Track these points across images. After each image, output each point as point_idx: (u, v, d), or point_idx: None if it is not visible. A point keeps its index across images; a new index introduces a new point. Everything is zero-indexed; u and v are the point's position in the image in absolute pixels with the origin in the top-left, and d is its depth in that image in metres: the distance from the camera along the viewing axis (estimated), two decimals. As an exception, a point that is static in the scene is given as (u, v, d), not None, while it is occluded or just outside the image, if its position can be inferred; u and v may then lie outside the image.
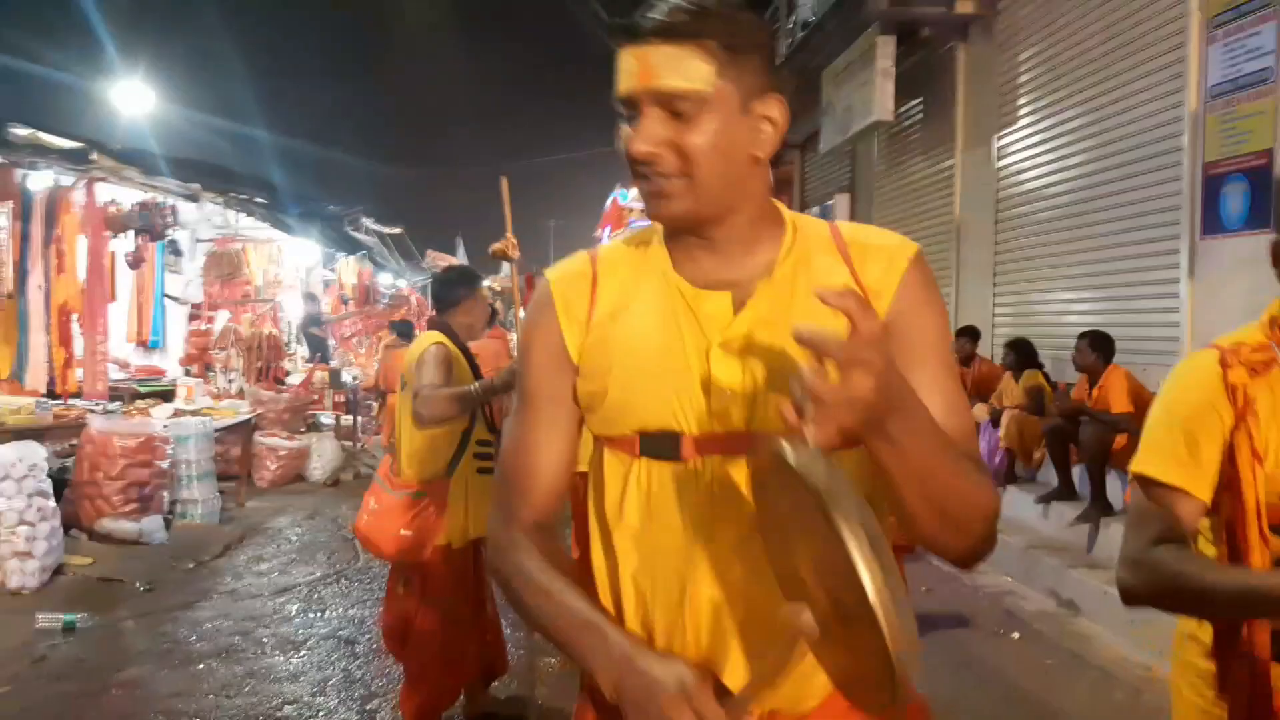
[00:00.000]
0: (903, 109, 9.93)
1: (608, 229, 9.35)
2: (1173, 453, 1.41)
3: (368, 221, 19.17)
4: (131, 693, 4.12)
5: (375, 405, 11.71)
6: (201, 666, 4.41)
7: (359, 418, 11.85)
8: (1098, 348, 5.97)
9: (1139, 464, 1.45)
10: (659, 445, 1.11)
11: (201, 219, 9.70)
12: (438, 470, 3.47)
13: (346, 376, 11.99)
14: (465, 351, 3.64)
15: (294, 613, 5.27)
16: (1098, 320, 6.69)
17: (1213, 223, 5.70)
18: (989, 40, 8.64)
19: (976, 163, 8.87)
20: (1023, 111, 8.09)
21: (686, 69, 1.03)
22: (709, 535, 1.09)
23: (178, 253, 9.59)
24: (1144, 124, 6.40)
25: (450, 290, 3.74)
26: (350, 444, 10.84)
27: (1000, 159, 8.46)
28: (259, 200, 10.50)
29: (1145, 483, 1.43)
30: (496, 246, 3.87)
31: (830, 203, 12.54)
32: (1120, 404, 5.66)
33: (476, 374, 3.61)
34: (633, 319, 1.15)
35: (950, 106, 9.31)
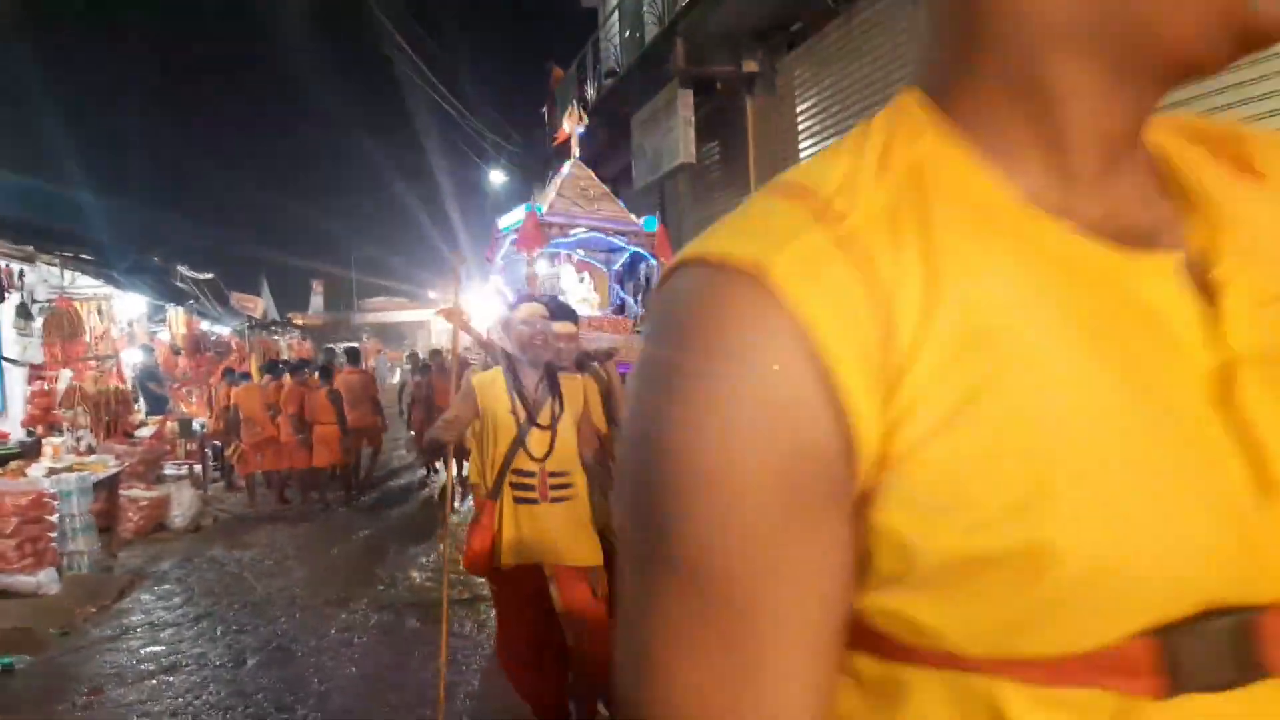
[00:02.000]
0: (703, 150, 11.33)
1: (498, 257, 7.64)
2: None
3: (183, 269, 18.97)
4: (102, 707, 4.67)
5: (224, 447, 12.10)
6: (155, 682, 4.99)
7: (207, 465, 12.23)
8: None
9: None
10: (1211, 655, 0.47)
11: (38, 280, 9.84)
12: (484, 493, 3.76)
13: (195, 425, 12.22)
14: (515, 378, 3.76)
15: (220, 634, 5.86)
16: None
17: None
18: (772, 93, 10.14)
19: (770, 197, 10.33)
20: (805, 154, 9.60)
21: None
22: None
23: (28, 315, 9.65)
24: (897, 167, 7.95)
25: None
26: (203, 491, 11.15)
27: (789, 194, 9.94)
28: (86, 257, 10.64)
29: None
30: (444, 310, 4.83)
31: (645, 233, 13.86)
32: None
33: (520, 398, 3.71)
34: (1027, 347, 0.48)
35: (744, 149, 10.76)
